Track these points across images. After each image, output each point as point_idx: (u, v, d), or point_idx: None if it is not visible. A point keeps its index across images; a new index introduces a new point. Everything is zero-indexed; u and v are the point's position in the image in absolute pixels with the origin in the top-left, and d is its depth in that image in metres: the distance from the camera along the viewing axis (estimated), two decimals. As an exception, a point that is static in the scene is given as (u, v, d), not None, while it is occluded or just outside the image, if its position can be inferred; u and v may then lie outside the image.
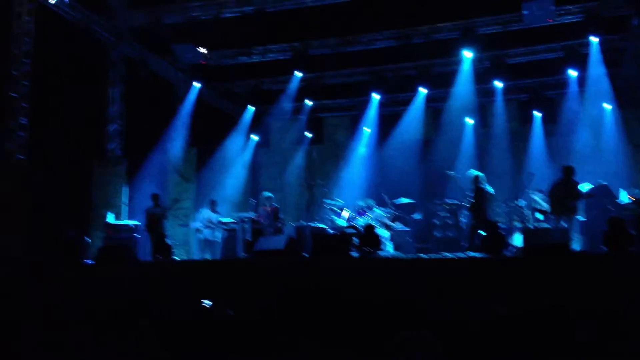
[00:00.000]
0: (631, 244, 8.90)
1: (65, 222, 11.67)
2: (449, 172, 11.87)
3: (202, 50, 14.73)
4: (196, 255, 13.67)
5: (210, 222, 13.25)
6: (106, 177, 13.89)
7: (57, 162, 12.66)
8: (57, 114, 12.70)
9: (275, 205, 12.67)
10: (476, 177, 11.10)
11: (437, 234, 12.94)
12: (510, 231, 11.54)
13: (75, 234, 10.59)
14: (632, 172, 12.76)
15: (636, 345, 6.46)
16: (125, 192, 13.84)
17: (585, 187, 11.16)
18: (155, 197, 12.58)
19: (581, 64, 14.12)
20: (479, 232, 10.17)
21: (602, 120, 14.58)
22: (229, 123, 17.80)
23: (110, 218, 12.70)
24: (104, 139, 14.36)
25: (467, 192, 11.16)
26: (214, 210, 13.44)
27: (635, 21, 12.83)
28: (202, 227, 13.23)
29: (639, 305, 6.86)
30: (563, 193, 10.16)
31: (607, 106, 14.55)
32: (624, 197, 10.91)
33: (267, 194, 12.89)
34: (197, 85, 15.95)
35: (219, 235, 13.11)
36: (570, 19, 13.03)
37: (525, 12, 12.25)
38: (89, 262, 10.15)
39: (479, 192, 11.00)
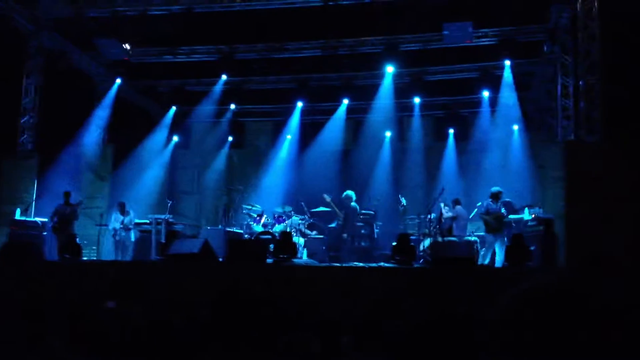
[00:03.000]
0: (530, 259, 9.53)
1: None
2: (325, 195, 12.96)
3: (126, 46, 14.38)
4: (107, 255, 13.31)
5: (123, 224, 13.01)
6: (16, 171, 13.28)
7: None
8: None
9: None
10: (346, 196, 12.64)
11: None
12: (420, 242, 11.96)
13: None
14: (535, 192, 13.47)
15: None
16: (34, 187, 13.29)
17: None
18: (66, 195, 12.16)
19: (494, 85, 14.90)
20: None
21: (510, 141, 15.36)
22: (149, 122, 17.43)
23: (17, 214, 12.18)
24: (16, 131, 13.74)
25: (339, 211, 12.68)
26: (123, 213, 13.19)
27: (546, 47, 13.63)
28: (119, 228, 12.97)
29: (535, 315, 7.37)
30: (494, 216, 11.12)
31: (515, 127, 15.35)
32: (527, 215, 11.52)
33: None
34: (118, 81, 15.58)
35: (132, 236, 12.86)
36: (486, 41, 13.70)
37: (445, 33, 12.77)
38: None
39: (348, 210, 12.54)
